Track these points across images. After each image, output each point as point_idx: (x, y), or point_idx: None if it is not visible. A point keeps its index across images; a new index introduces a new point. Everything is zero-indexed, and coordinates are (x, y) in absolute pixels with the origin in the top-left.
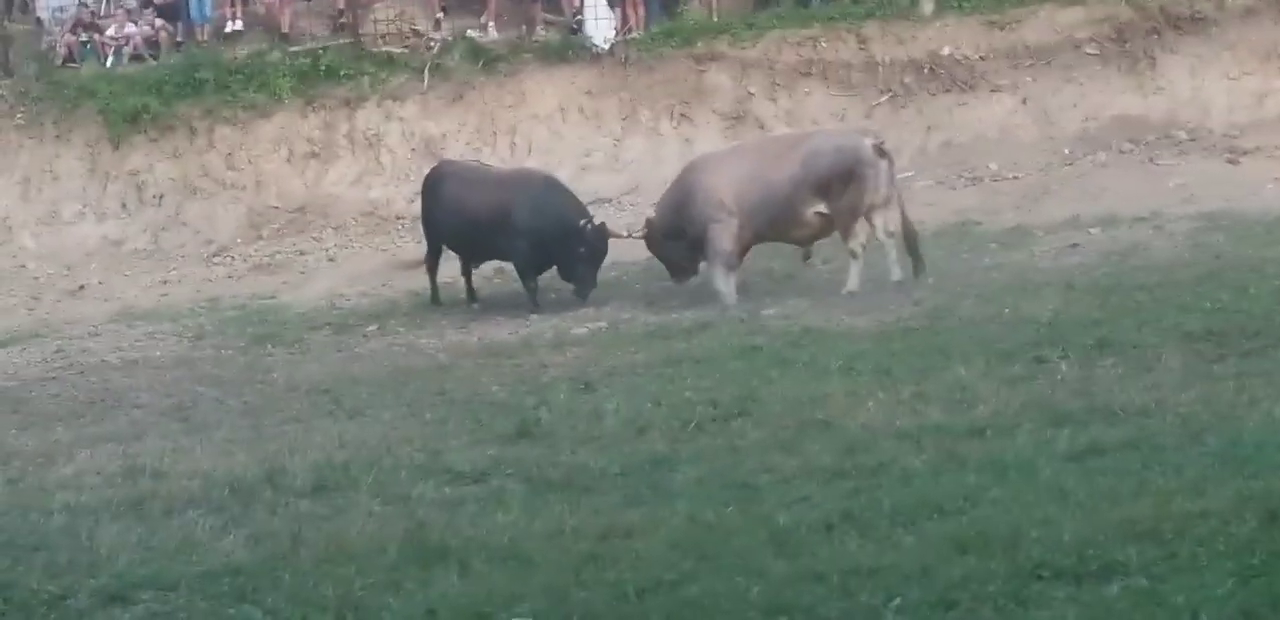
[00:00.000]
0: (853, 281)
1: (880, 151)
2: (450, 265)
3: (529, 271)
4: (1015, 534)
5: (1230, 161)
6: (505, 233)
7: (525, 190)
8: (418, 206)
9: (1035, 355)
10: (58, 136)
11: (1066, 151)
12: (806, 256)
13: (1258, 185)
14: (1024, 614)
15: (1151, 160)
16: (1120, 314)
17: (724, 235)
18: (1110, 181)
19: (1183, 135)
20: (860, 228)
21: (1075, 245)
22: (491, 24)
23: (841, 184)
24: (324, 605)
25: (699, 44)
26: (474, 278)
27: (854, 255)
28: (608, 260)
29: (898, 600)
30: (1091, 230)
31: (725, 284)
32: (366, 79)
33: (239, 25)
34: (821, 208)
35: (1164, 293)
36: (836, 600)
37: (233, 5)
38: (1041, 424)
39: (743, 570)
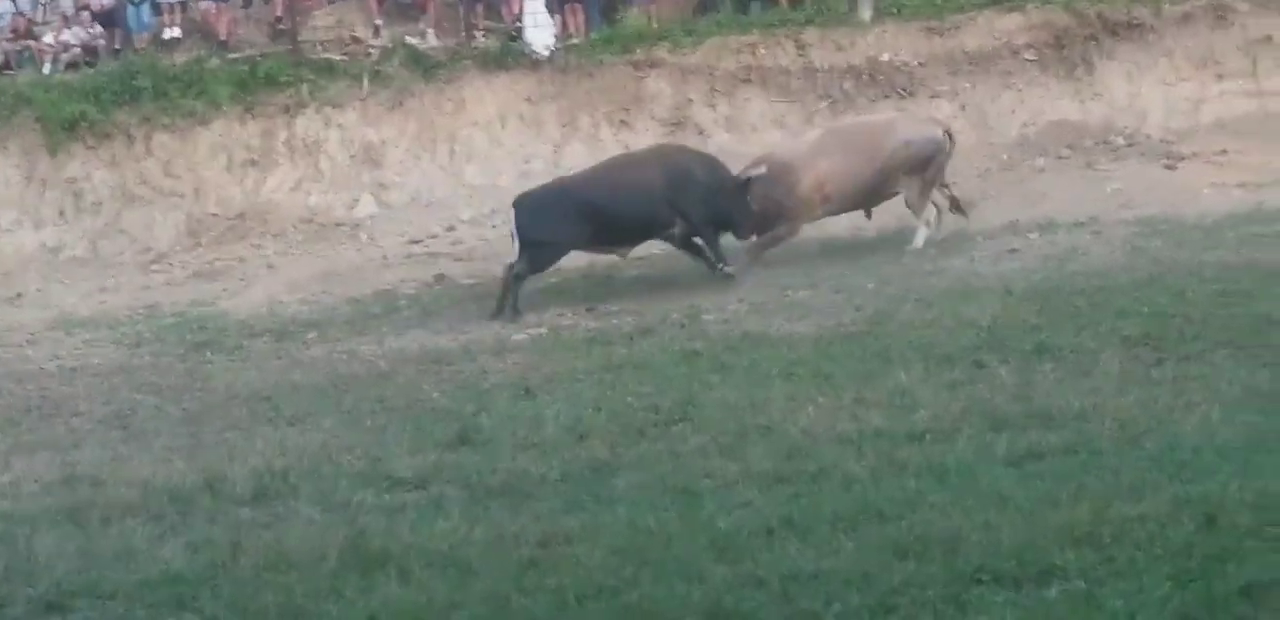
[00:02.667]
0: (919, 240)
1: (950, 137)
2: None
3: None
4: (955, 538)
5: (1167, 167)
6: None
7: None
8: (357, 212)
9: (975, 360)
10: None
11: (1005, 157)
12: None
13: (1194, 190)
14: (962, 618)
15: (1089, 166)
16: (1059, 318)
17: (790, 231)
18: (1049, 187)
19: (1120, 141)
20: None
21: (1014, 250)
22: (431, 31)
23: (921, 168)
24: (264, 613)
25: (638, 51)
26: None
27: (926, 224)
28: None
29: (837, 605)
30: (1030, 235)
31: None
32: (305, 86)
33: (177, 32)
34: (898, 189)
35: (1102, 297)
36: (776, 605)
37: (170, 12)
38: (981, 429)
39: (683, 576)
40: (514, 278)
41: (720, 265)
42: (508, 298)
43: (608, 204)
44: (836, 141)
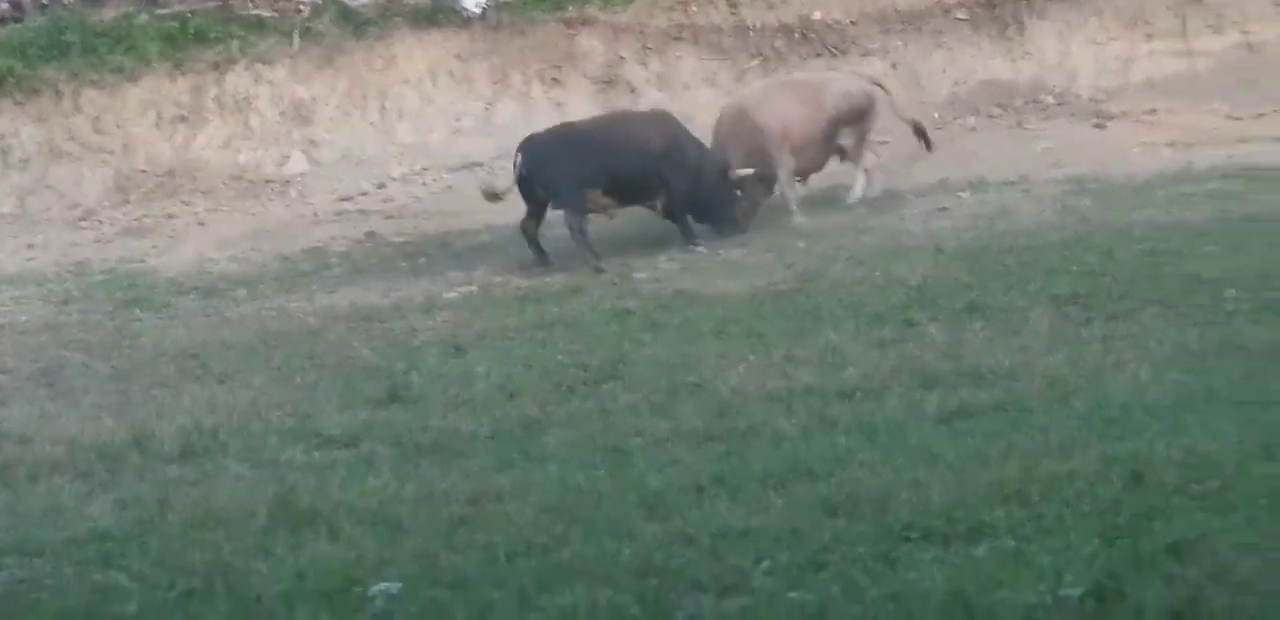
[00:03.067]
0: (857, 192)
1: (884, 89)
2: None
3: None
4: (884, 496)
5: (1097, 126)
6: None
7: None
8: (287, 169)
9: (905, 318)
10: None
11: (936, 116)
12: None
13: (1123, 150)
14: (892, 575)
15: (1020, 125)
16: (989, 277)
17: (787, 168)
18: (979, 146)
19: (1050, 100)
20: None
21: (944, 209)
22: None
23: (859, 119)
24: (192, 570)
25: (570, 8)
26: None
27: (865, 172)
28: (479, 223)
29: (767, 562)
30: (961, 194)
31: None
32: (235, 42)
33: None
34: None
35: (1032, 256)
36: (706, 563)
37: None
38: (911, 387)
39: (613, 533)
40: (578, 233)
41: (692, 245)
42: (541, 254)
43: (618, 149)
44: (784, 90)
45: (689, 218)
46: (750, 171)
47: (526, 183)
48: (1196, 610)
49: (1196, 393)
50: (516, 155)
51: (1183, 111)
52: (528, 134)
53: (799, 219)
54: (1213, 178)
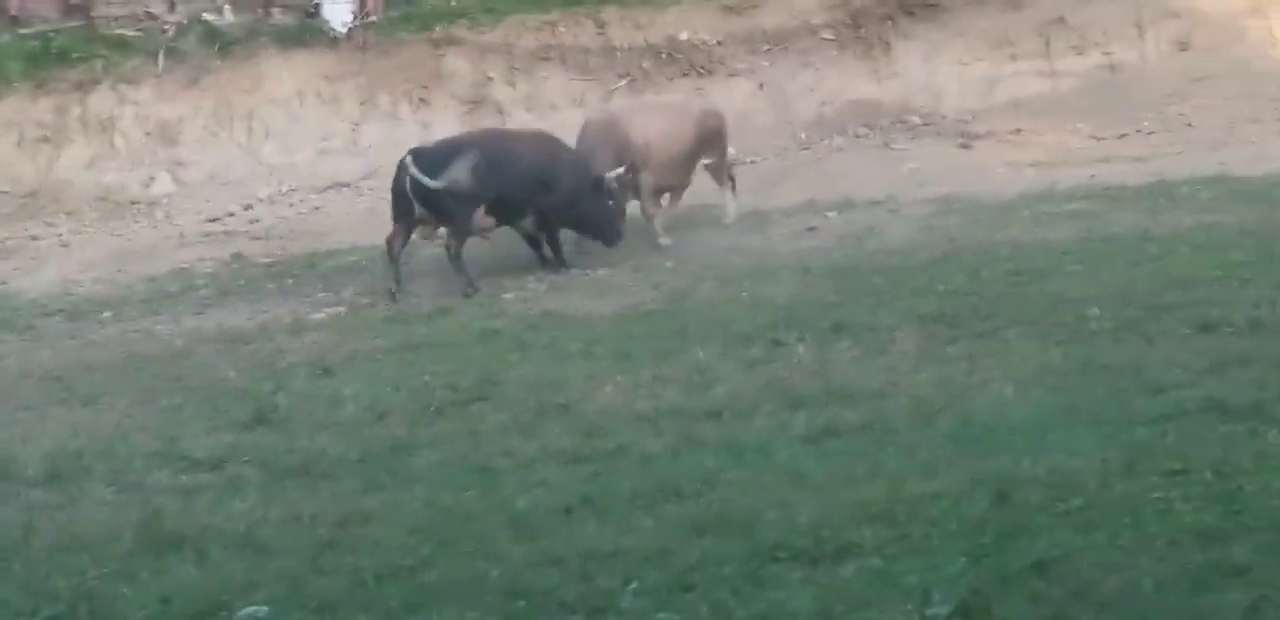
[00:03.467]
0: (732, 212)
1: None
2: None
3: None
4: (752, 516)
5: (963, 146)
6: None
7: None
8: (153, 190)
9: (772, 338)
10: None
11: (803, 136)
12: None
13: (989, 169)
14: (760, 595)
15: (886, 145)
16: (856, 297)
17: (648, 182)
18: (846, 166)
19: (916, 120)
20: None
21: (812, 228)
22: (227, 7)
23: (718, 140)
24: (56, 595)
25: (437, 28)
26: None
27: (731, 190)
28: (347, 244)
29: (635, 583)
30: (828, 214)
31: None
32: (99, 62)
33: None
34: (706, 160)
35: (899, 275)
36: (575, 584)
37: None
38: (778, 406)
39: (482, 555)
40: (457, 256)
41: (563, 265)
42: (398, 278)
43: (504, 166)
44: (649, 106)
45: (558, 237)
46: (621, 170)
47: (406, 198)
48: None
49: (1060, 411)
50: (407, 167)
51: (1047, 132)
52: (405, 150)
53: (664, 240)
54: (1076, 198)
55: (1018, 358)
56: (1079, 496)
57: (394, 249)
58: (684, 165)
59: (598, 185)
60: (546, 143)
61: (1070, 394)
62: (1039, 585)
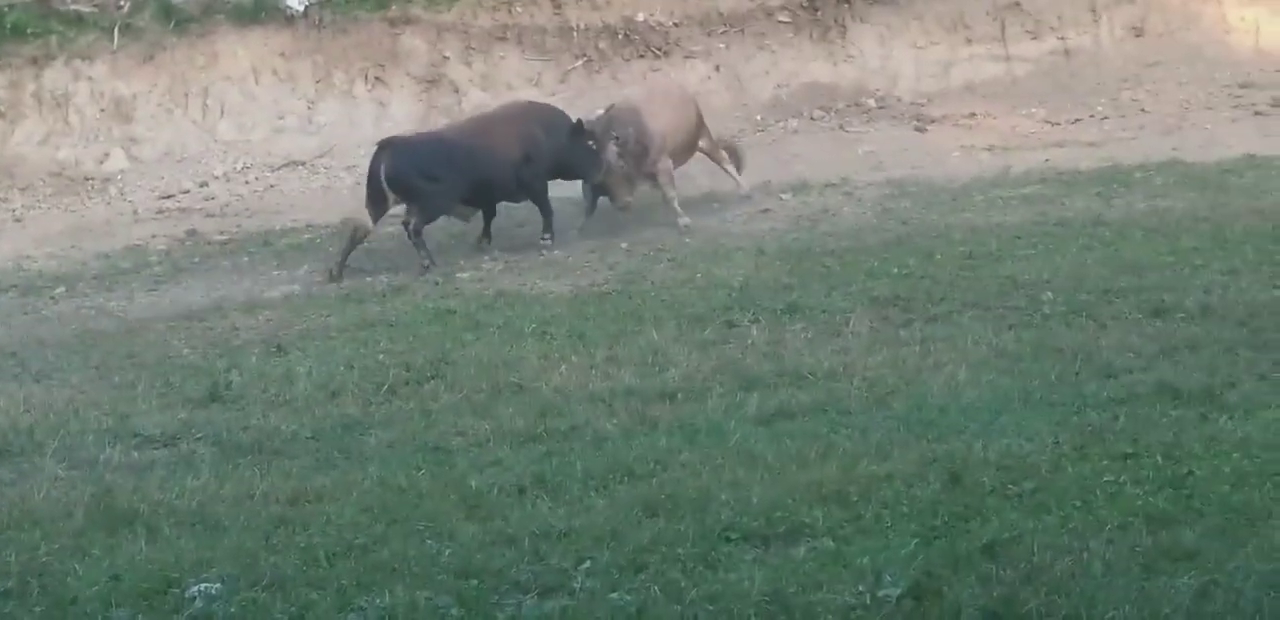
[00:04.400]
0: (745, 183)
1: None
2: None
3: None
4: (705, 497)
5: (918, 129)
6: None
7: None
8: (108, 167)
9: (726, 319)
10: None
11: (759, 118)
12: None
13: (944, 153)
14: (712, 576)
15: (842, 127)
16: (810, 279)
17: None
18: (801, 148)
19: (872, 103)
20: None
21: (766, 211)
22: None
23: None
24: (7, 571)
25: (393, 7)
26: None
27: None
28: (302, 222)
29: (588, 563)
30: (783, 196)
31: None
32: (54, 38)
33: None
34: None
35: (853, 258)
36: (527, 563)
37: None
38: (732, 387)
39: (434, 534)
40: (418, 236)
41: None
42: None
43: (482, 161)
44: (656, 94)
45: (549, 204)
46: (600, 113)
47: (380, 190)
48: (1012, 610)
49: (1013, 394)
50: (380, 159)
51: (1001, 116)
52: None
53: (684, 220)
54: (1030, 182)
55: (971, 341)
56: (1030, 479)
57: (356, 234)
58: (690, 150)
59: (576, 130)
60: (522, 124)
61: (1023, 377)
62: (989, 567)
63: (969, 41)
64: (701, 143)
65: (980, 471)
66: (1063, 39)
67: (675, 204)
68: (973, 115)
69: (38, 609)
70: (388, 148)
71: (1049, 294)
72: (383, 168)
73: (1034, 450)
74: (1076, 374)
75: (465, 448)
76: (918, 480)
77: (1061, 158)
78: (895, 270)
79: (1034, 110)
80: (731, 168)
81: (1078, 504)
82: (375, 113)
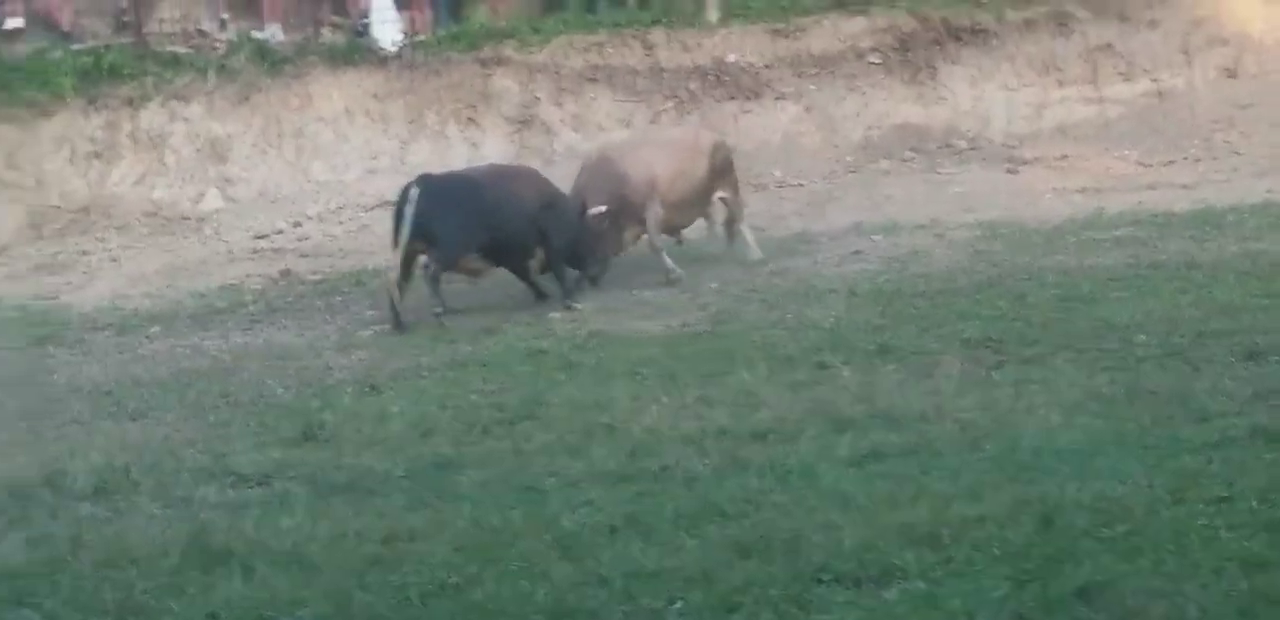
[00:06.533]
0: (754, 247)
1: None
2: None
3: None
4: (796, 538)
5: (1009, 171)
6: None
7: None
8: (203, 206)
9: (818, 361)
10: None
11: (850, 159)
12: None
13: (1036, 195)
14: (804, 617)
15: (933, 169)
16: (901, 320)
17: (655, 213)
18: (892, 189)
19: (963, 144)
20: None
21: (858, 252)
22: (277, 25)
23: (731, 171)
24: (104, 609)
25: (485, 48)
26: (260, 281)
27: (743, 229)
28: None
29: (679, 603)
30: (874, 237)
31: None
32: (150, 79)
33: (19, 23)
34: (722, 193)
35: (944, 300)
36: (619, 604)
37: (12, 2)
38: (823, 429)
39: (527, 574)
40: (434, 281)
41: (570, 302)
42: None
43: (501, 207)
44: (651, 138)
45: (567, 271)
46: (604, 208)
47: (407, 225)
48: None
49: (1106, 437)
50: (410, 193)
51: (1094, 157)
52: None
53: (676, 272)
54: (1123, 224)
55: (1064, 383)
56: (1124, 523)
57: (401, 289)
58: (698, 201)
59: (582, 218)
60: (536, 180)
61: (1116, 420)
62: (1083, 611)
63: (1061, 83)
64: (723, 194)
65: (1074, 514)
66: (1155, 81)
67: (663, 255)
68: (1065, 157)
69: None
70: None
71: (1142, 336)
72: None
73: (1128, 493)
74: (1170, 417)
75: (557, 488)
76: (1010, 523)
77: (1154, 200)
78: (987, 312)
79: (1127, 152)
80: (746, 228)
81: (1172, 548)
82: (467, 153)
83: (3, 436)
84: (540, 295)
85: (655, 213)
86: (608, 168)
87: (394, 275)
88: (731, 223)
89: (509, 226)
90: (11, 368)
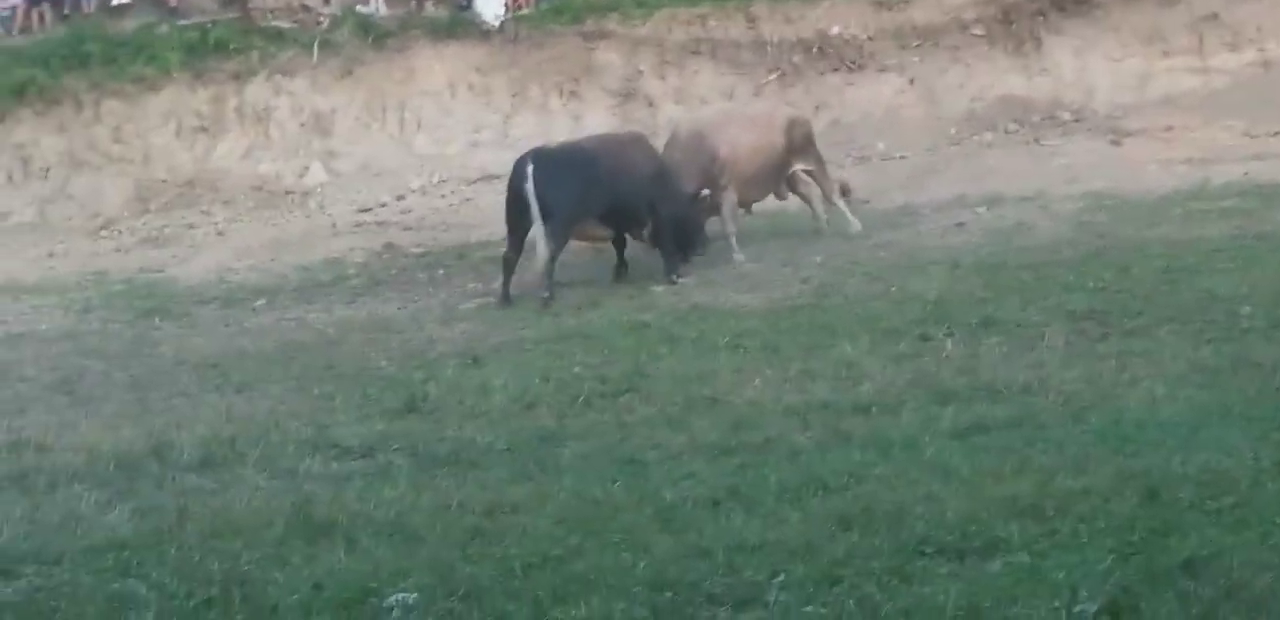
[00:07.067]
0: (854, 222)
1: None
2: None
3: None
4: (899, 510)
5: (1114, 142)
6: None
7: None
8: (307, 180)
9: (921, 333)
10: None
11: (953, 131)
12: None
13: (1140, 166)
14: (907, 590)
15: (1037, 141)
16: (1005, 292)
17: (730, 194)
18: (996, 161)
19: (1067, 116)
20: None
21: (961, 224)
22: (380, 0)
23: (813, 145)
24: (210, 580)
25: (588, 21)
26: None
27: (839, 202)
28: (497, 235)
29: (782, 576)
30: (977, 209)
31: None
32: (255, 53)
33: None
34: (803, 166)
35: (1048, 272)
36: (721, 576)
37: None
38: (926, 401)
39: (629, 546)
40: (550, 263)
41: (675, 275)
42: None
43: (619, 174)
44: (733, 116)
45: (672, 245)
46: (707, 193)
47: (523, 201)
48: None
49: (1212, 409)
50: (524, 168)
51: (1199, 128)
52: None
53: (739, 256)
54: (1229, 195)
55: (1169, 355)
56: (1230, 495)
57: (510, 263)
58: (771, 177)
59: (693, 198)
60: (648, 149)
61: (1221, 392)
62: (1188, 584)
63: (1166, 54)
64: (804, 167)
65: (1178, 487)
66: (1262, 50)
67: (734, 239)
68: (1170, 128)
69: (239, 617)
70: None
71: (1247, 308)
72: None
73: (1233, 465)
74: (1276, 389)
75: (659, 460)
76: (1115, 495)
77: (1261, 170)
78: (1091, 284)
79: (1232, 122)
80: (841, 201)
81: (1278, 520)
82: (570, 126)
83: (111, 409)
84: (622, 265)
85: (730, 197)
86: (699, 144)
87: (512, 255)
88: (824, 196)
89: (626, 192)
90: (119, 340)
